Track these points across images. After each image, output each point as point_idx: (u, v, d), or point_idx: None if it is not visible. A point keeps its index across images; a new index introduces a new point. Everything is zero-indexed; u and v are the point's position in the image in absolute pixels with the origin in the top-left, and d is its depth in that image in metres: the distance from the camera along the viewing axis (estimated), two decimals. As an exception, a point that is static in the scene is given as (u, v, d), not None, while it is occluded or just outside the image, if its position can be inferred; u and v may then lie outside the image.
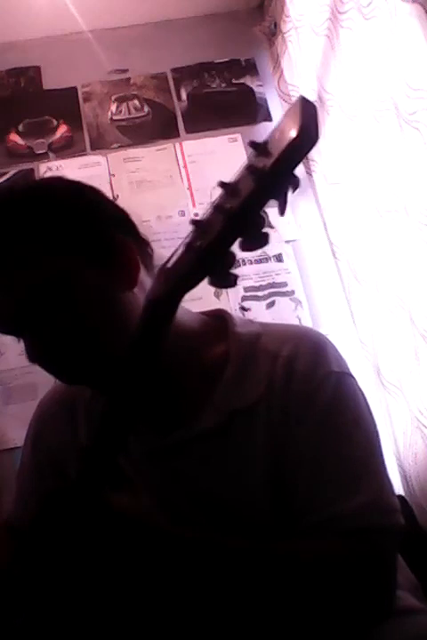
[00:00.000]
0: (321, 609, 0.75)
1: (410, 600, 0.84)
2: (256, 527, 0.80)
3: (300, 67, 1.94)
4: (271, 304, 1.91)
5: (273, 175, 0.53)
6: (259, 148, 0.54)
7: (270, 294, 1.91)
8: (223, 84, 2.19)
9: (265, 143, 0.54)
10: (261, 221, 0.56)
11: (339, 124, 1.68)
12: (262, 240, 0.56)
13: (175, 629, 0.78)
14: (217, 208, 0.57)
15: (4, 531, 0.96)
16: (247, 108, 2.16)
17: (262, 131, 2.12)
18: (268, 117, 2.14)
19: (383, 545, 0.78)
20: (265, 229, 0.56)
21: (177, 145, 2.09)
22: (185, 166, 2.06)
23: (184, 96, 2.16)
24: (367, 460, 0.81)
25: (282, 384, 0.83)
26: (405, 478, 1.54)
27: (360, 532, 0.76)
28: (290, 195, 0.54)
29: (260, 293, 1.90)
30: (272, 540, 0.78)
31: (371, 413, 0.86)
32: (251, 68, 2.21)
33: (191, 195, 2.03)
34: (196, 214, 2.01)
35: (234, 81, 2.19)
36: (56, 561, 0.71)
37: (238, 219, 0.55)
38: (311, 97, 1.86)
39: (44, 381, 1.77)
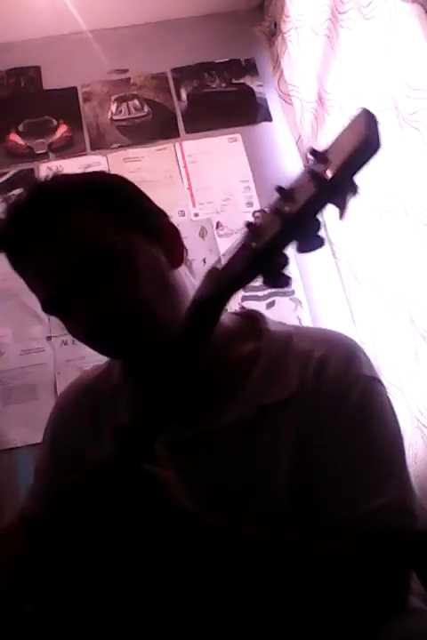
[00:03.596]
0: (334, 606, 0.76)
1: (414, 602, 0.84)
2: (272, 524, 0.80)
3: (300, 67, 1.94)
4: (271, 304, 1.91)
5: (335, 181, 0.54)
6: (318, 156, 0.56)
7: (270, 294, 1.91)
8: (223, 84, 2.19)
9: (325, 152, 0.56)
10: (318, 225, 0.57)
11: (339, 124, 1.67)
12: (318, 242, 0.58)
13: (191, 616, 0.79)
14: (274, 211, 0.59)
15: (20, 522, 0.97)
16: (247, 108, 2.16)
17: (262, 131, 2.13)
18: (268, 117, 2.15)
19: (401, 548, 0.78)
20: (320, 233, 0.58)
21: (177, 145, 2.09)
22: (185, 166, 2.06)
23: (184, 96, 2.16)
24: (393, 461, 0.83)
25: (313, 383, 0.84)
26: (405, 478, 1.54)
27: (381, 532, 0.77)
28: (350, 200, 0.56)
29: (260, 293, 1.90)
30: (294, 536, 0.79)
31: (397, 420, 0.87)
32: (251, 68, 2.21)
33: (191, 195, 2.03)
34: (196, 214, 2.01)
35: (234, 81, 2.19)
36: (86, 531, 0.72)
37: (297, 222, 0.57)
38: (311, 97, 1.87)
39: (44, 381, 1.81)
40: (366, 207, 1.60)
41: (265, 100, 2.17)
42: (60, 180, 0.92)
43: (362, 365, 0.87)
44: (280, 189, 0.59)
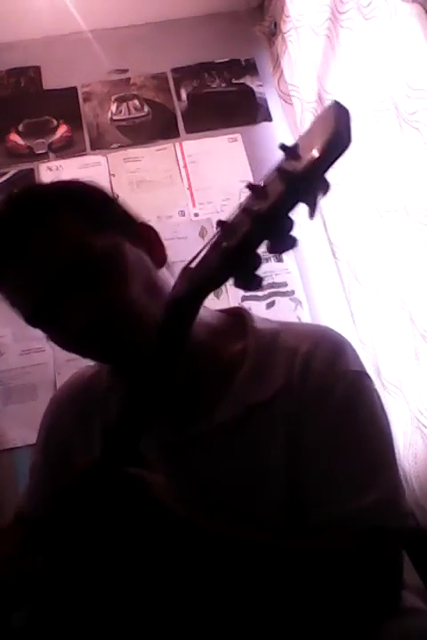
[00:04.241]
0: (327, 606, 0.75)
1: (416, 602, 0.84)
2: (269, 524, 0.80)
3: (300, 67, 1.94)
4: (271, 304, 1.91)
5: (304, 178, 0.52)
6: (289, 151, 0.54)
7: (270, 294, 1.91)
8: (223, 84, 2.19)
9: (295, 146, 0.54)
10: (290, 224, 0.55)
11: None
12: (290, 243, 0.56)
13: (184, 619, 0.78)
14: (245, 210, 0.57)
15: (16, 522, 0.97)
16: (247, 108, 2.16)
17: (262, 131, 2.13)
18: (268, 117, 2.15)
19: (394, 546, 0.78)
20: (293, 233, 0.55)
21: (177, 145, 2.09)
22: (185, 166, 2.06)
23: (184, 96, 2.16)
24: (382, 458, 0.81)
25: (299, 379, 0.83)
26: (405, 478, 1.54)
27: (373, 531, 0.76)
28: (320, 199, 0.53)
29: (260, 293, 1.90)
30: (284, 536, 0.78)
31: (386, 415, 0.86)
32: (251, 68, 2.21)
33: (191, 195, 2.03)
34: (196, 214, 2.01)
35: (234, 81, 2.19)
36: (78, 537, 0.71)
37: (266, 220, 0.55)
38: (311, 97, 1.87)
39: (43, 381, 1.81)
40: (366, 207, 1.60)
41: (265, 100, 2.17)
42: (35, 188, 0.92)
43: (348, 360, 0.85)
44: (251, 187, 0.57)
